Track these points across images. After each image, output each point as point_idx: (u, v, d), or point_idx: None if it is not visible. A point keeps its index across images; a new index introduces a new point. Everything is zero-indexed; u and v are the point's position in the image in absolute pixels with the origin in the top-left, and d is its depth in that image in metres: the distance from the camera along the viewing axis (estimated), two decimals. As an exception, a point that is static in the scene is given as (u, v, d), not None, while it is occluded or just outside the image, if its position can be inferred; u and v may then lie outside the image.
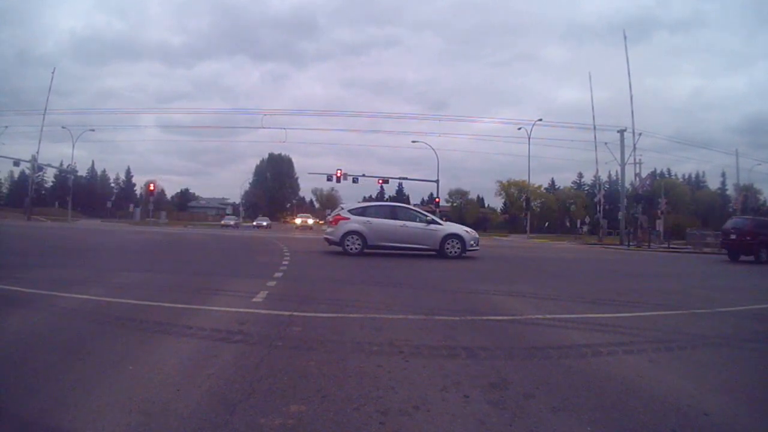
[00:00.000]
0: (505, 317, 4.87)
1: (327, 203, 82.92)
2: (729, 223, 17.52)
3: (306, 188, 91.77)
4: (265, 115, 68.94)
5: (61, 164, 56.77)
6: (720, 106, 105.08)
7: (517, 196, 65.79)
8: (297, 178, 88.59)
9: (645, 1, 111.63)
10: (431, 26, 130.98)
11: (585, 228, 43.06)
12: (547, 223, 60.09)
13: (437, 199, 45.19)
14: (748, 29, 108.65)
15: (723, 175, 67.89)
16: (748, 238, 15.34)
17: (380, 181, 46.94)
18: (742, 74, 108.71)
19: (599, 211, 36.10)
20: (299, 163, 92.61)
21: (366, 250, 12.24)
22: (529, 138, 38.02)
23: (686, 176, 76.08)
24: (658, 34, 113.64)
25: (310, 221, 46.54)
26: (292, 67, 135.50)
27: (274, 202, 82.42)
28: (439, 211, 42.97)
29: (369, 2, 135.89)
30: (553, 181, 77.12)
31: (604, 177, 48.98)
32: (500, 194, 72.46)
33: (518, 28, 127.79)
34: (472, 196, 77.03)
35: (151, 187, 44.93)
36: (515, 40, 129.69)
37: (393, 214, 12.81)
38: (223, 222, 46.07)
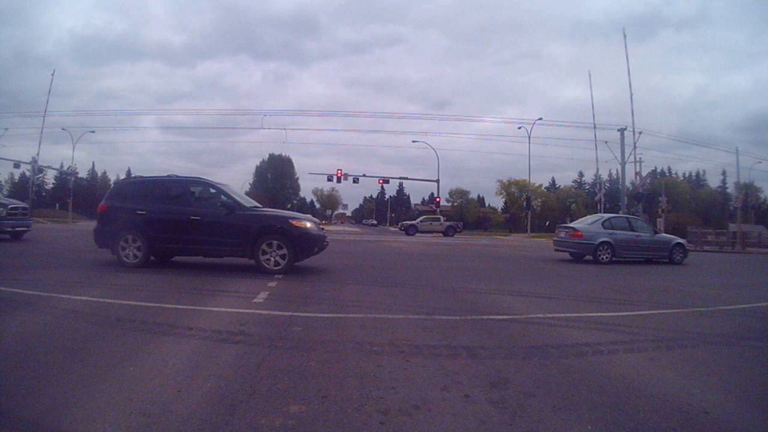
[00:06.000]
0: (505, 316, 4.87)
1: (327, 203, 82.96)
2: None
3: (306, 188, 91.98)
4: (266, 115, 69.04)
5: (62, 166, 56.86)
6: (723, 103, 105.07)
7: (518, 195, 65.86)
8: (297, 179, 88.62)
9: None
10: (435, 24, 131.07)
11: (586, 227, 42.98)
12: (547, 222, 60.10)
13: (438, 199, 45.24)
14: (752, 27, 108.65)
15: (723, 173, 68.01)
16: None
17: (381, 181, 47.04)
18: (746, 72, 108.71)
19: (600, 210, 36.10)
20: (299, 163, 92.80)
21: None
22: (529, 137, 38.01)
23: (687, 175, 76.21)
24: (664, 31, 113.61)
25: None
26: (294, 67, 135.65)
27: (275, 203, 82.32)
28: (440, 211, 43.02)
29: (372, 0, 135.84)
30: (553, 180, 77.38)
31: (604, 176, 48.88)
32: (501, 193, 72.55)
33: (522, 26, 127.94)
34: (473, 195, 77.17)
35: (152, 189, 44.91)
36: (519, 38, 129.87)
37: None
38: None
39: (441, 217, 37.07)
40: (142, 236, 7.79)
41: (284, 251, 7.62)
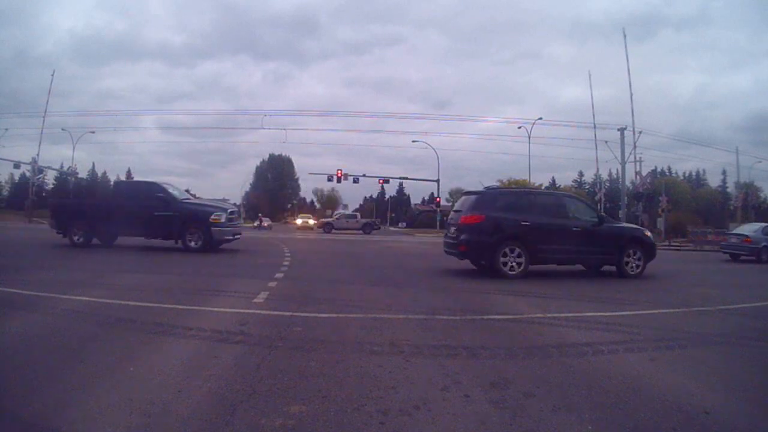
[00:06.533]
0: (505, 316, 4.87)
1: (327, 203, 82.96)
2: None
3: (306, 188, 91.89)
4: (266, 115, 68.81)
5: (62, 166, 56.77)
6: (723, 103, 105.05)
7: (518, 195, 65.66)
8: (297, 179, 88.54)
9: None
10: (435, 24, 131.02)
11: (586, 227, 43.00)
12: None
13: (438, 199, 45.21)
14: (752, 27, 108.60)
15: (724, 173, 67.93)
16: None
17: (381, 181, 47.02)
18: (747, 72, 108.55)
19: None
20: (300, 163, 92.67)
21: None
22: (529, 137, 38.03)
23: (687, 174, 76.14)
24: (664, 31, 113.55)
25: (311, 222, 46.67)
26: (294, 67, 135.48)
27: (275, 203, 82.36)
28: (440, 211, 43.01)
29: (372, 0, 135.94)
30: (553, 180, 77.06)
31: (604, 175, 49.08)
32: (501, 193, 72.36)
33: (523, 26, 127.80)
34: (473, 195, 76.82)
35: (152, 189, 44.99)
36: (519, 38, 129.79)
37: None
38: None
39: (357, 215, 39.20)
40: (523, 247, 8.04)
41: (639, 257, 8.81)
